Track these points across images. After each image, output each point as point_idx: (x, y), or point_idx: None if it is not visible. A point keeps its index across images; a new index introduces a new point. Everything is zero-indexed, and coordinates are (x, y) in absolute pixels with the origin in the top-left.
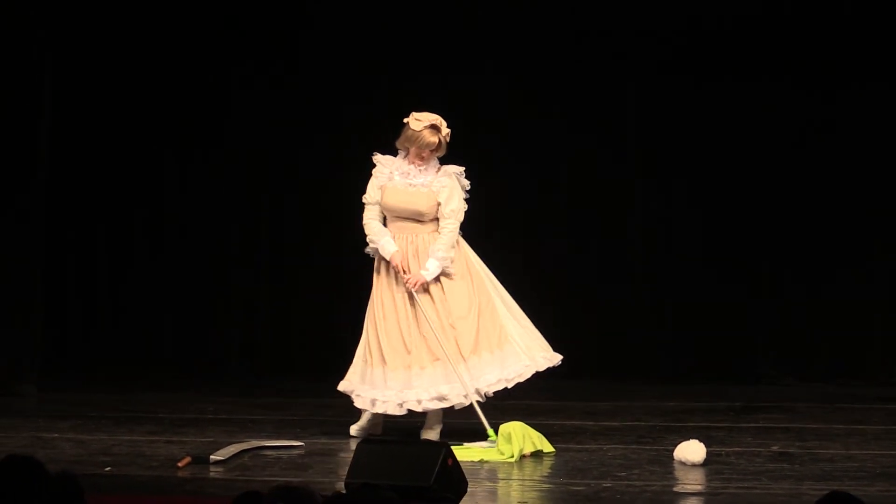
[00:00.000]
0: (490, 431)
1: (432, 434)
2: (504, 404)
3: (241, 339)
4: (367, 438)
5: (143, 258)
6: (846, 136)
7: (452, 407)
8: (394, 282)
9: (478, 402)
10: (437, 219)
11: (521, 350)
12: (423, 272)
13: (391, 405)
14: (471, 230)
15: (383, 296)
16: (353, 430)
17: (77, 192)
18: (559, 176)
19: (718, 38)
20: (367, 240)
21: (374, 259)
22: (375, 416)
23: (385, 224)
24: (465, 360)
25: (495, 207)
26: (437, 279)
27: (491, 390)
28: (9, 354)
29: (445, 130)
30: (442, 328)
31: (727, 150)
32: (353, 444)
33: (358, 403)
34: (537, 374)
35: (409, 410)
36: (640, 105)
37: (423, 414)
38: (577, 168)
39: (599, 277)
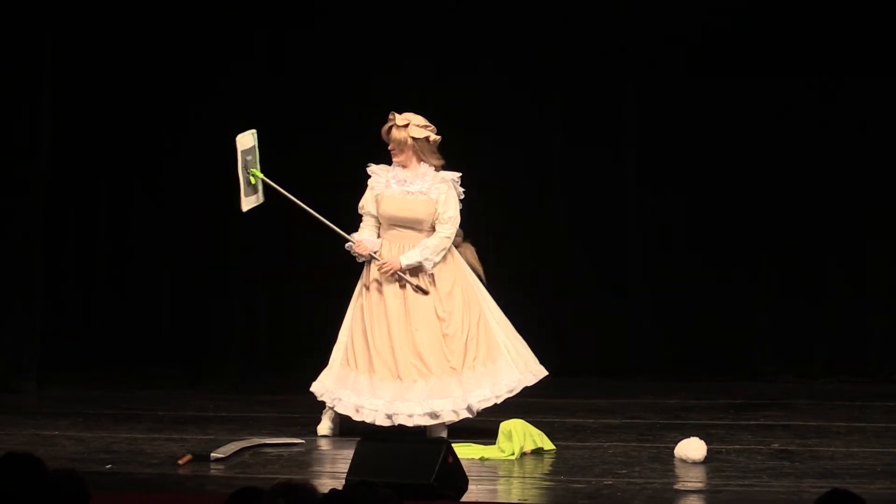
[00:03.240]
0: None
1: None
2: (504, 402)
3: (241, 335)
4: (368, 436)
5: (143, 255)
6: (845, 134)
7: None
8: (387, 288)
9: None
10: (433, 228)
11: (512, 363)
12: (402, 258)
13: (379, 415)
14: (467, 230)
15: (372, 301)
16: (321, 430)
17: (76, 189)
18: (557, 175)
19: (717, 37)
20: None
21: (363, 263)
22: (336, 414)
23: (380, 234)
24: (459, 373)
25: (492, 206)
26: (431, 287)
27: (482, 406)
28: (8, 351)
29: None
30: (436, 340)
31: (726, 149)
32: (354, 442)
33: (340, 408)
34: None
35: (400, 424)
36: (640, 104)
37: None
38: (576, 167)
39: (599, 275)
